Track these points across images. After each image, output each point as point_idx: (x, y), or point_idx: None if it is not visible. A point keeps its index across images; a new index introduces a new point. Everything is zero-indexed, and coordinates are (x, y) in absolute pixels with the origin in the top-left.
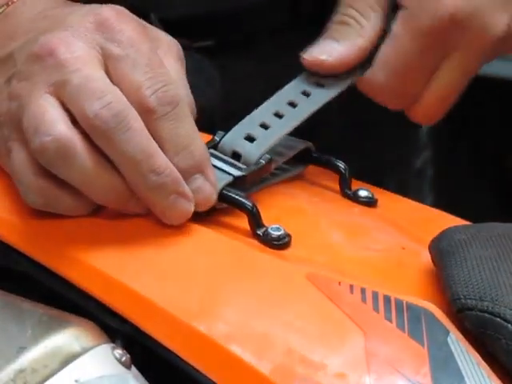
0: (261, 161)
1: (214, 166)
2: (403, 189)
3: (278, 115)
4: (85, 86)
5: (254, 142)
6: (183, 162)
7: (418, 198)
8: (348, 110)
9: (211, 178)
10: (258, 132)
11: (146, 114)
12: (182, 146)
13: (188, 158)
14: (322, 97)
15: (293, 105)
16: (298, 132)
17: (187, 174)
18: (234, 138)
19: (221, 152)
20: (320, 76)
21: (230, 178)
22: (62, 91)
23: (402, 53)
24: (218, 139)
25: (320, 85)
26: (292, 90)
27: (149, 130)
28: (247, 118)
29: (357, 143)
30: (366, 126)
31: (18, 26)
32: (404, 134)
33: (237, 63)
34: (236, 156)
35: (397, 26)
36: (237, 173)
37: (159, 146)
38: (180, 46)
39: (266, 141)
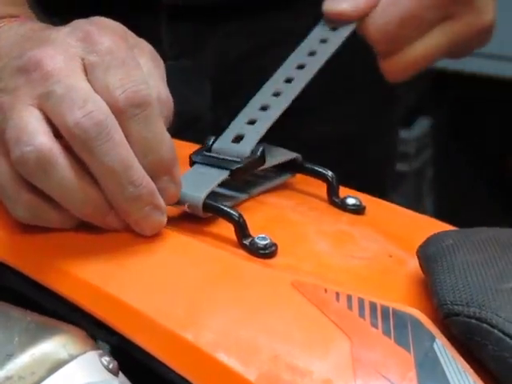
0: (257, 153)
1: (208, 165)
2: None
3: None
4: (67, 95)
5: (243, 139)
6: (151, 164)
7: (418, 197)
8: (330, 76)
9: (177, 179)
10: (247, 128)
11: (117, 114)
12: (150, 149)
13: (156, 160)
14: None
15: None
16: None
17: (154, 175)
18: (224, 141)
19: (214, 153)
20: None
21: (226, 174)
22: (46, 103)
23: (407, 4)
24: (209, 143)
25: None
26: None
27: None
28: (238, 116)
29: (339, 108)
30: (346, 90)
31: (2, 48)
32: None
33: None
34: (238, 139)
35: None
36: (233, 166)
37: (131, 147)
38: (157, 53)
39: (262, 125)
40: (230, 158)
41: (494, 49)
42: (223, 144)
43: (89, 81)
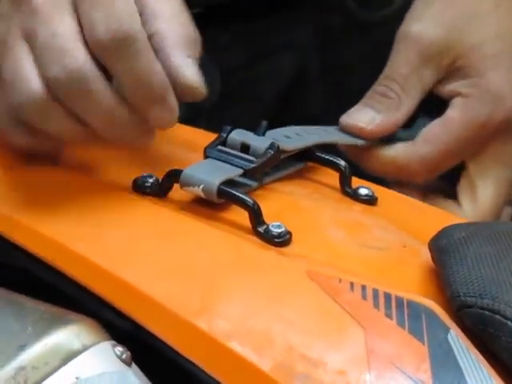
0: (269, 151)
1: (223, 162)
2: None
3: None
4: (48, 44)
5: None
6: (142, 98)
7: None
8: (331, 80)
9: (171, 105)
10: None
11: (101, 52)
12: (140, 83)
13: (146, 92)
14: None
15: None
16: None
17: (147, 106)
18: (241, 132)
19: (229, 146)
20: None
21: (240, 172)
22: (33, 41)
23: (454, 136)
24: (224, 135)
25: None
26: None
27: (107, 68)
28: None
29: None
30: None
31: None
32: None
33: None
34: (244, 148)
35: (453, 111)
36: (247, 166)
37: (117, 82)
38: None
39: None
40: (244, 156)
41: None
42: (240, 135)
43: (77, 15)
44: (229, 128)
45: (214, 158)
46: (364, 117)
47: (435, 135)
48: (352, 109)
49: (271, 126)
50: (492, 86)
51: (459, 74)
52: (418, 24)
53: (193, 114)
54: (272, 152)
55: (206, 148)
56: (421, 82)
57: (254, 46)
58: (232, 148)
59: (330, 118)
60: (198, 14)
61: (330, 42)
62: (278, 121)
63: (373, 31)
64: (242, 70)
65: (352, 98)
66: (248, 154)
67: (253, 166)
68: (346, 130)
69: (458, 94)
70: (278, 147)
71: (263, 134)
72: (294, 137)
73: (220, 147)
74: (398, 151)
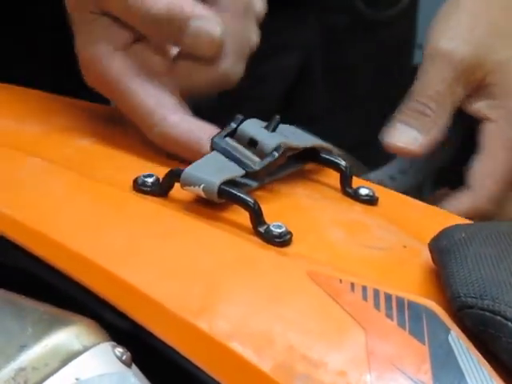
0: (274, 153)
1: (227, 158)
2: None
3: None
4: None
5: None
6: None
7: (419, 197)
8: (335, 80)
9: (206, 14)
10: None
11: None
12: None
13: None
14: None
15: None
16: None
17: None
18: (252, 125)
19: (237, 139)
20: None
21: (242, 172)
22: None
23: (501, 168)
24: (235, 125)
25: None
26: None
27: None
28: None
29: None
30: (352, 96)
31: None
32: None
33: None
34: (252, 143)
35: (488, 140)
36: (249, 168)
37: None
38: None
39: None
40: (249, 155)
41: None
42: (250, 128)
43: None
44: (240, 118)
45: (219, 152)
46: (405, 137)
47: (485, 176)
48: (390, 128)
49: None
50: None
51: (485, 93)
52: (450, 41)
53: (194, 113)
54: (277, 155)
55: (213, 138)
56: (453, 98)
57: (257, 46)
58: (240, 141)
59: (333, 117)
60: None
61: (334, 41)
62: (281, 121)
63: (378, 31)
64: (245, 69)
65: (356, 97)
66: (255, 149)
67: (255, 168)
68: (389, 151)
69: (487, 119)
70: (285, 150)
71: (274, 130)
72: (298, 134)
73: (227, 140)
74: (462, 205)
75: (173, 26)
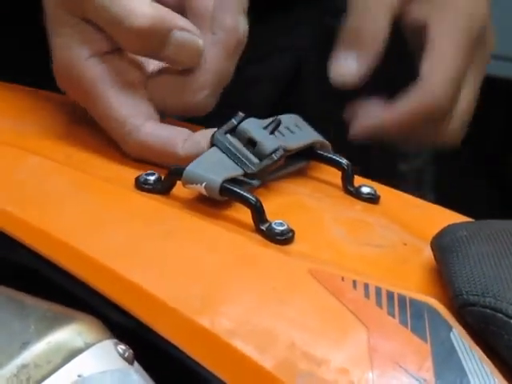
0: (273, 155)
1: (227, 155)
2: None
3: None
4: None
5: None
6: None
7: (418, 197)
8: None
9: (188, 27)
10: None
11: None
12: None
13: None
14: None
15: None
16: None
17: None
18: (252, 124)
19: (237, 137)
20: None
21: (241, 172)
22: None
23: (450, 64)
24: (235, 123)
25: None
26: None
27: None
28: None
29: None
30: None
31: None
32: None
33: None
34: (251, 143)
35: (436, 40)
36: (248, 168)
37: None
38: None
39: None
40: (248, 155)
41: (494, 49)
42: (250, 127)
43: None
44: (241, 116)
45: (219, 148)
46: (344, 67)
47: (437, 72)
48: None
49: None
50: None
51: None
52: None
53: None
54: (275, 158)
55: (214, 133)
56: (389, 10)
57: (252, 48)
58: (240, 139)
59: (328, 119)
60: None
61: (329, 43)
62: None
63: None
64: (240, 71)
65: (351, 99)
66: (254, 149)
67: (254, 169)
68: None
69: (431, 21)
70: (282, 153)
71: (273, 131)
72: (297, 131)
73: (228, 136)
74: (412, 101)
75: (154, 39)
